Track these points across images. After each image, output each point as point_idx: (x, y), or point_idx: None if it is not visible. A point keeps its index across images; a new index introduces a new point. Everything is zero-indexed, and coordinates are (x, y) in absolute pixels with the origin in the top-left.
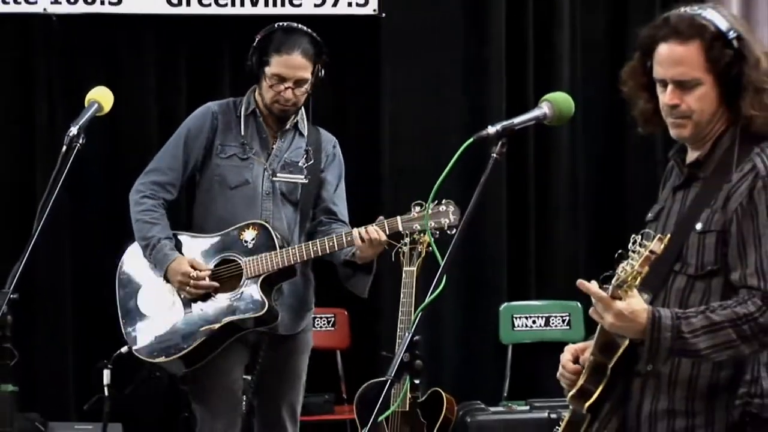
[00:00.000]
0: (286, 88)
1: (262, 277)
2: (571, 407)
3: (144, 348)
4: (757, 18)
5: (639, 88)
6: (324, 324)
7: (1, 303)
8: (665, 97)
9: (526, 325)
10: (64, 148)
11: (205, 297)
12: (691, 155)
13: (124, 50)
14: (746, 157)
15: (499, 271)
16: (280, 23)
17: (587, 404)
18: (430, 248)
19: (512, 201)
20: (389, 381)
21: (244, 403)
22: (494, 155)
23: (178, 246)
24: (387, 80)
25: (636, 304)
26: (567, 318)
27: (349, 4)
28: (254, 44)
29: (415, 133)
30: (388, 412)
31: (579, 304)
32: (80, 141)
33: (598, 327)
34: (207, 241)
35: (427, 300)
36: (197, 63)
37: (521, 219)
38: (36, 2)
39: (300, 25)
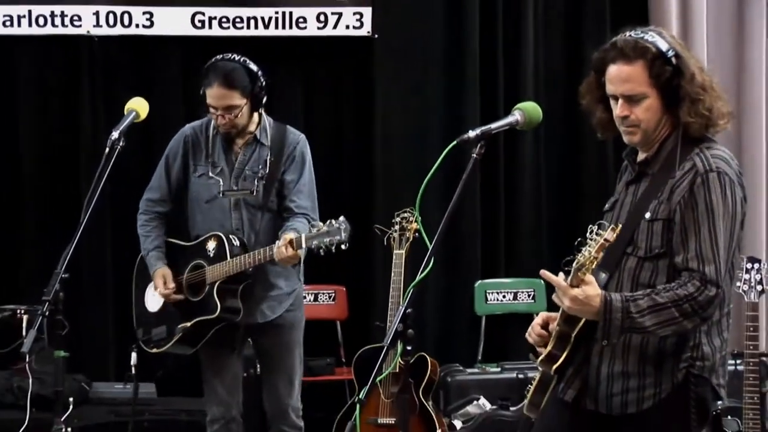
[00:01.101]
0: (218, 116)
1: (217, 283)
2: (540, 369)
3: (146, 340)
4: (694, 37)
5: (595, 101)
6: (326, 299)
7: (55, 282)
8: (617, 109)
9: (497, 299)
10: (107, 149)
11: (183, 299)
12: (641, 155)
13: (155, 66)
14: (687, 155)
15: (474, 254)
16: (215, 57)
17: (554, 367)
18: (417, 234)
19: (485, 194)
20: (386, 347)
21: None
22: (474, 155)
23: (169, 250)
24: (379, 92)
25: (590, 290)
26: (532, 293)
27: (347, 27)
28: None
29: (403, 136)
30: (384, 374)
31: (542, 281)
32: (120, 144)
33: None
34: (186, 248)
35: (418, 278)
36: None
37: (493, 209)
38: (81, 26)
39: (227, 56)
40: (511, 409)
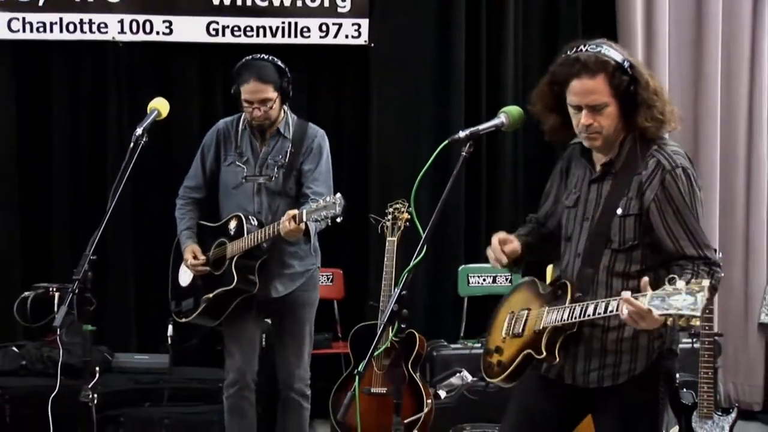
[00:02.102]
0: (254, 109)
1: (234, 258)
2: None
3: (177, 311)
4: (657, 48)
5: (548, 109)
6: (325, 280)
7: (84, 263)
8: (582, 118)
9: (478, 282)
10: (132, 144)
11: (208, 273)
12: (602, 157)
13: (174, 69)
14: (647, 153)
15: (458, 241)
16: (246, 58)
17: (557, 360)
18: (408, 223)
19: (469, 188)
20: (383, 325)
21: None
22: (463, 153)
23: (200, 231)
24: (375, 95)
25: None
26: (509, 277)
27: (347, 36)
28: (232, 76)
29: (396, 135)
30: (381, 349)
31: None
32: (144, 139)
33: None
34: (213, 229)
35: (412, 264)
36: (229, 79)
37: (475, 201)
38: (107, 32)
39: (257, 56)
40: (490, 385)
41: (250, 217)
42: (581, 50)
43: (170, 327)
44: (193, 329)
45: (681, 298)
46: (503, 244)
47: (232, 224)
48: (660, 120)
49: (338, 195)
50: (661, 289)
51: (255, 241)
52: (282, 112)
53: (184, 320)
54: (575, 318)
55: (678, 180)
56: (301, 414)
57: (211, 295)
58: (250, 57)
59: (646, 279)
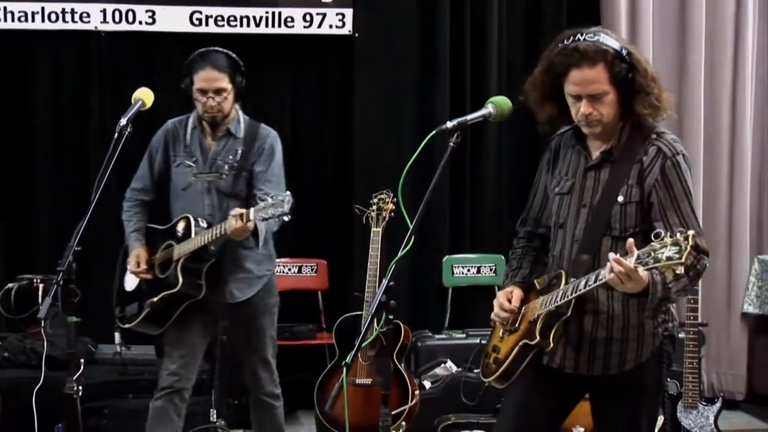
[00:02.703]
0: (209, 98)
1: (180, 260)
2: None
3: (121, 317)
4: (641, 40)
5: (544, 98)
6: (309, 271)
7: (69, 254)
8: (582, 108)
9: (462, 273)
10: (116, 135)
11: (154, 277)
12: (600, 144)
13: (156, 59)
14: (646, 141)
15: (442, 232)
16: (198, 51)
17: (551, 347)
18: (393, 214)
19: (453, 179)
20: (371, 316)
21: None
22: (451, 144)
23: (149, 234)
24: (358, 85)
25: (641, 270)
26: (494, 267)
27: (330, 26)
28: (183, 70)
29: (380, 125)
30: (369, 340)
31: (503, 256)
32: (128, 130)
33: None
34: (162, 231)
35: (400, 254)
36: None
37: (459, 193)
38: (89, 21)
39: (212, 48)
40: (475, 371)
41: (198, 218)
42: (579, 39)
43: (117, 335)
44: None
45: (666, 250)
46: (508, 302)
47: (180, 226)
48: (657, 107)
49: (287, 193)
50: (648, 246)
51: (202, 242)
52: (234, 110)
53: (127, 326)
54: (568, 296)
55: (678, 167)
56: (275, 412)
57: (155, 299)
58: (204, 49)
59: (631, 240)
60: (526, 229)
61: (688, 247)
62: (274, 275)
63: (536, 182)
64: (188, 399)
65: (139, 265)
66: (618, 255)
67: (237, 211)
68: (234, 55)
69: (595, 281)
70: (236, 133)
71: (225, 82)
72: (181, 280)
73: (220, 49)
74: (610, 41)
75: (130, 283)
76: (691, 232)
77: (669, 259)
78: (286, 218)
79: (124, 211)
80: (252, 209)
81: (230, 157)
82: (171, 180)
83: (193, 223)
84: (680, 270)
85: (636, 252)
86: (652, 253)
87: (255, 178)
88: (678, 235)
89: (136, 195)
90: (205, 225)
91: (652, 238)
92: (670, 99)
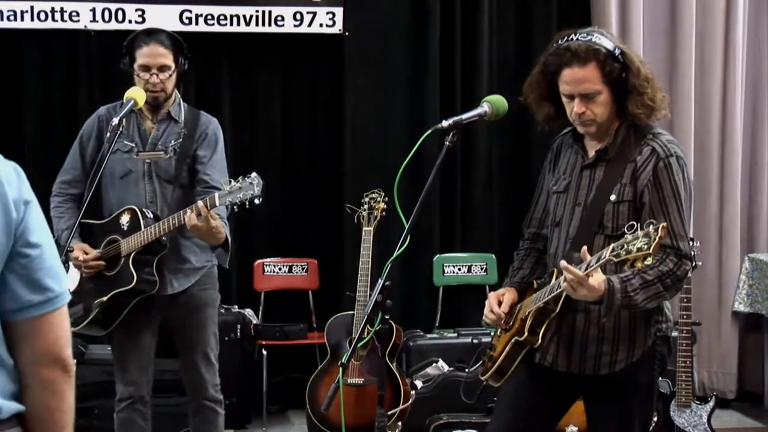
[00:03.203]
0: (152, 75)
1: (132, 255)
2: (516, 341)
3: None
4: (632, 37)
5: (541, 99)
6: (299, 270)
7: (62, 254)
8: (575, 107)
9: (453, 272)
10: (108, 134)
11: (98, 275)
12: (596, 144)
13: None
14: (641, 142)
15: (433, 232)
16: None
17: (539, 343)
18: (384, 213)
19: (444, 179)
20: (366, 316)
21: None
22: (447, 143)
23: (83, 231)
24: (349, 83)
25: (598, 278)
26: (485, 266)
27: (321, 25)
28: (123, 49)
29: (371, 124)
30: (366, 339)
31: (494, 255)
32: (121, 129)
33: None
34: (100, 226)
35: (396, 253)
36: (203, 68)
37: (450, 192)
38: (79, 20)
39: (158, 28)
40: (466, 370)
41: (144, 209)
42: (572, 39)
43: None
44: None
45: (638, 242)
46: (499, 304)
47: (125, 219)
48: (650, 107)
49: (254, 174)
50: (622, 238)
51: (156, 234)
52: (175, 94)
53: (73, 329)
54: (552, 293)
55: (669, 168)
56: (217, 421)
57: (105, 298)
58: (148, 28)
59: (584, 248)
60: (530, 231)
61: (657, 238)
62: (215, 266)
63: (540, 183)
64: (150, 400)
65: (87, 255)
66: (565, 263)
67: (199, 203)
68: (179, 38)
69: (558, 287)
70: (177, 117)
71: (169, 60)
72: (135, 275)
73: (164, 29)
74: (603, 41)
75: (69, 283)
76: (663, 224)
77: (639, 250)
78: (256, 201)
79: (54, 207)
80: (216, 194)
81: (171, 140)
82: (105, 169)
83: (140, 214)
84: (649, 260)
85: (589, 258)
86: (625, 245)
87: (199, 162)
88: (650, 227)
89: (65, 189)
90: (151, 215)
91: (626, 231)
92: (666, 99)
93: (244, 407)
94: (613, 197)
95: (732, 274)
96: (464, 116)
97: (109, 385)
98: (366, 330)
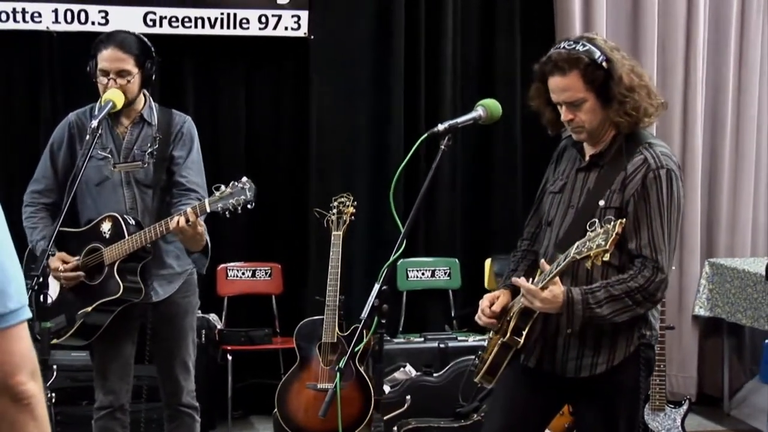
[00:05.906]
0: (110, 80)
1: (116, 263)
2: (501, 342)
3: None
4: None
5: (543, 104)
6: (263, 275)
7: (43, 258)
8: (563, 114)
9: (417, 276)
10: (87, 137)
11: (80, 284)
12: (592, 149)
13: None
14: (635, 150)
15: (396, 236)
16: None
17: (522, 342)
18: (353, 217)
19: (407, 182)
20: (362, 321)
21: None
22: (442, 147)
23: (60, 240)
24: (314, 87)
25: (556, 289)
26: (448, 270)
27: (286, 28)
28: (91, 51)
29: (335, 127)
30: (361, 345)
31: (457, 260)
32: (99, 131)
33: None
34: (79, 235)
35: (392, 258)
36: (168, 70)
37: (414, 197)
38: (41, 21)
39: (125, 30)
40: (434, 375)
41: (125, 216)
42: (559, 47)
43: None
44: None
45: (598, 238)
46: (491, 305)
47: (106, 226)
48: (633, 116)
49: (245, 179)
50: (585, 236)
51: (141, 242)
52: (143, 97)
53: (55, 341)
54: None
55: (659, 181)
56: (194, 427)
57: (90, 308)
58: (114, 29)
59: (543, 260)
60: (529, 230)
61: (615, 234)
62: (194, 273)
63: (542, 184)
64: (129, 407)
65: (67, 265)
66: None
67: (188, 210)
68: (146, 41)
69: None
70: (150, 120)
71: (130, 65)
72: (121, 284)
73: (132, 32)
74: (589, 47)
75: (51, 293)
76: (620, 221)
77: (598, 246)
78: (249, 206)
79: (26, 218)
80: (206, 201)
81: (147, 145)
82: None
83: (123, 222)
84: (607, 257)
85: (548, 269)
86: (587, 242)
87: (175, 163)
88: (609, 224)
89: (37, 198)
90: (133, 222)
91: (587, 228)
92: (659, 108)
93: (209, 412)
94: (601, 203)
95: (692, 279)
96: (459, 120)
97: (72, 391)
98: (364, 333)
